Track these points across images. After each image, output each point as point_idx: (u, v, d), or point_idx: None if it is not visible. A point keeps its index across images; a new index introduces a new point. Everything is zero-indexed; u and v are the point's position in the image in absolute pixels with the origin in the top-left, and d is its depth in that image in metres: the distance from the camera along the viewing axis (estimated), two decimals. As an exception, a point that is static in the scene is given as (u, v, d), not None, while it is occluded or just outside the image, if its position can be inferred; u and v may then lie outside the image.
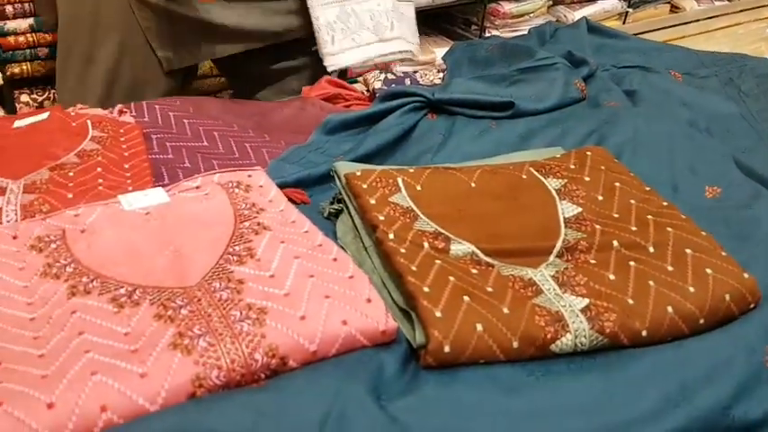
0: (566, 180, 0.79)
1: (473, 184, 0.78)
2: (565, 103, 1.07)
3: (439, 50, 2.52)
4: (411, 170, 0.80)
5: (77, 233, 0.67)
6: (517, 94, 1.05)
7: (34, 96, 1.96)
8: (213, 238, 0.67)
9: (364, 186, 0.75)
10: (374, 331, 0.57)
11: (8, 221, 0.72)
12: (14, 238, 0.67)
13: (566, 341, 0.59)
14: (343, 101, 1.17)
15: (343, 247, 0.71)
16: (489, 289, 0.62)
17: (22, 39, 1.86)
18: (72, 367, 0.50)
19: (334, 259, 0.64)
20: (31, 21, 1.84)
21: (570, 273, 0.66)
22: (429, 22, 2.25)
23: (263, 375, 0.54)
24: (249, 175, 0.79)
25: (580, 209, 0.75)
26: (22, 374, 0.49)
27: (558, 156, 0.84)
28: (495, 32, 2.58)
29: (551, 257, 0.68)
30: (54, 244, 0.66)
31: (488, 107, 1.03)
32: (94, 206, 0.72)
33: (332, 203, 0.80)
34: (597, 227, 0.72)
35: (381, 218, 0.70)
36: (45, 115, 0.96)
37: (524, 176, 0.80)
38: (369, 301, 0.59)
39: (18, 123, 0.95)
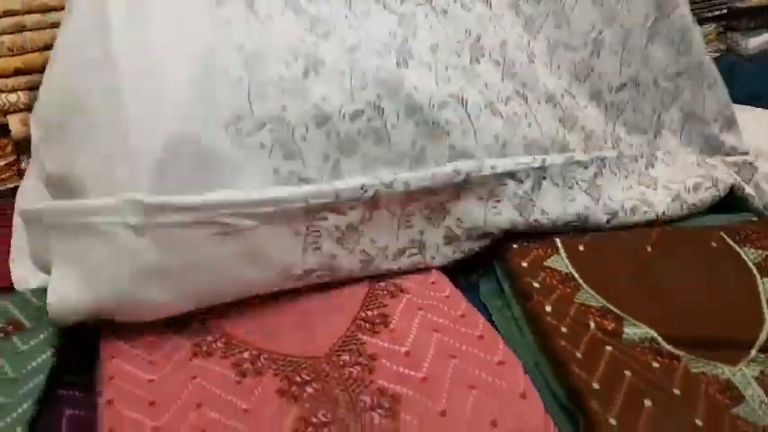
0: (767, 252, 0.65)
1: (649, 248, 0.66)
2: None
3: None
4: (572, 226, 0.69)
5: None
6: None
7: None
8: (343, 298, 0.60)
9: (514, 246, 0.65)
10: (530, 436, 0.47)
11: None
12: None
13: (775, 470, 0.46)
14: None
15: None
16: (676, 391, 0.50)
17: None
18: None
19: (480, 336, 0.55)
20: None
21: (780, 375, 0.52)
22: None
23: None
24: None
25: (788, 290, 0.60)
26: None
27: (755, 219, 0.69)
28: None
29: (753, 352, 0.54)
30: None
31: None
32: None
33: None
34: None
35: (536, 285, 0.60)
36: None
37: (714, 243, 0.66)
38: (523, 396, 0.49)
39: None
